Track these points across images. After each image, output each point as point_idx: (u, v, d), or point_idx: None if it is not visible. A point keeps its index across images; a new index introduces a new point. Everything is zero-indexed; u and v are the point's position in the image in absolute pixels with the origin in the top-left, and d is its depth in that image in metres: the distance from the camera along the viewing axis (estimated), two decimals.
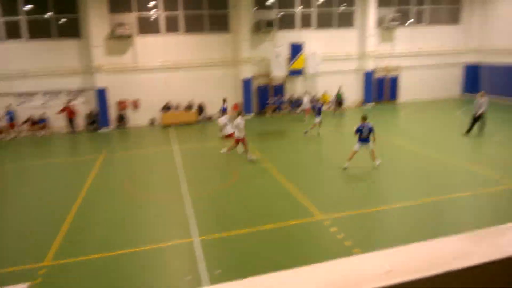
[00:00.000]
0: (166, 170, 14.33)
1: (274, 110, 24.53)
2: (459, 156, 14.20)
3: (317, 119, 18.01)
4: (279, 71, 23.78)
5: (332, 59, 25.15)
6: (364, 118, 12.77)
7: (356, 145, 12.89)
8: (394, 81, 26.96)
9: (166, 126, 22.20)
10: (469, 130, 16.78)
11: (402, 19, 25.94)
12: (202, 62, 23.25)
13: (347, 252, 7.90)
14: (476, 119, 16.68)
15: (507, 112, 21.77)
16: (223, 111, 19.47)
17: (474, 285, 0.75)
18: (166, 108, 22.82)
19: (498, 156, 14.27)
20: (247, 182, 12.86)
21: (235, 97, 24.21)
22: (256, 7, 23.67)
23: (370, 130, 12.63)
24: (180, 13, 22.75)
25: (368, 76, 25.95)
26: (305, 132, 18.46)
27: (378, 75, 26.46)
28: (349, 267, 0.85)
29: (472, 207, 10.28)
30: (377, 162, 13.03)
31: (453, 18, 27.55)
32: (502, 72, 25.66)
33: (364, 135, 12.67)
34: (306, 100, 22.38)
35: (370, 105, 26.07)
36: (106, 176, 13.98)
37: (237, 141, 14.65)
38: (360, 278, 0.77)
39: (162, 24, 22.66)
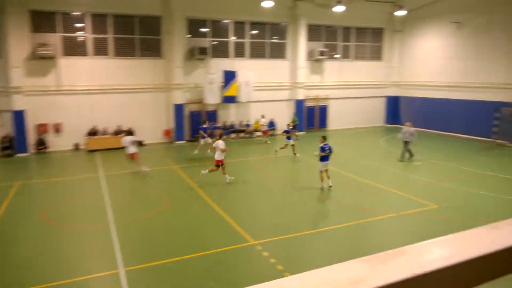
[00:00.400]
0: (90, 198, 13.40)
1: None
2: (386, 180, 14.94)
3: (290, 142, 18.88)
4: (212, 98, 23.79)
5: (265, 88, 25.78)
6: (324, 138, 13.59)
7: (321, 164, 13.42)
8: (323, 110, 28.18)
9: (92, 152, 20.98)
10: (411, 155, 18.11)
11: (330, 53, 27.50)
12: (133, 87, 22.60)
13: (279, 276, 7.78)
14: (407, 145, 18.06)
15: (424, 140, 23.55)
16: (203, 131, 19.65)
17: None
18: (92, 132, 21.65)
19: (419, 180, 15.24)
20: (178, 208, 12.43)
21: (166, 122, 23.73)
22: (190, 35, 23.71)
23: (330, 150, 13.34)
24: (109, 37, 22.07)
25: (299, 105, 26.88)
26: (276, 151, 19.40)
27: (308, 104, 27.52)
28: None
29: (396, 227, 10.77)
30: (330, 183, 13.70)
31: (376, 55, 29.76)
32: (417, 104, 27.95)
33: (326, 152, 13.29)
34: (264, 121, 23.84)
35: (302, 133, 26.86)
36: (21, 205, 12.68)
37: (218, 164, 14.43)
38: None
39: (90, 46, 21.77)
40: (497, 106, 22.17)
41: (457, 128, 24.96)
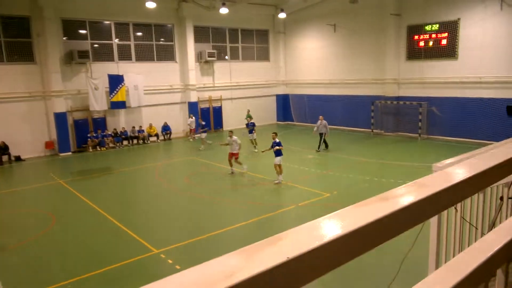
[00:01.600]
0: None
1: (96, 146, 22.64)
2: (284, 175, 15.49)
3: (253, 136, 20.52)
4: (98, 104, 22.22)
5: (156, 92, 24.96)
6: (276, 134, 14.81)
7: (277, 159, 14.19)
8: (218, 111, 28.30)
9: None
10: (326, 146, 20.17)
11: (219, 55, 27.71)
12: (1, 96, 19.97)
13: None
14: (322, 137, 20.01)
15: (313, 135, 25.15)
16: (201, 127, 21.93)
17: None
18: None
19: (312, 172, 16.13)
20: (68, 225, 11.29)
21: (48, 133, 21.53)
22: (66, 37, 21.78)
23: (280, 144, 14.26)
24: None
25: (193, 107, 26.58)
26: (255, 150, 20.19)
27: (202, 106, 27.39)
28: None
29: (296, 218, 11.23)
30: (280, 178, 14.35)
31: (264, 55, 30.85)
32: (304, 101, 29.73)
33: (280, 147, 14.18)
34: (190, 121, 24.69)
35: (198, 135, 26.60)
36: None
37: (234, 156, 15.89)
38: None
39: None
40: (371, 99, 24.62)
41: (341, 121, 27.09)
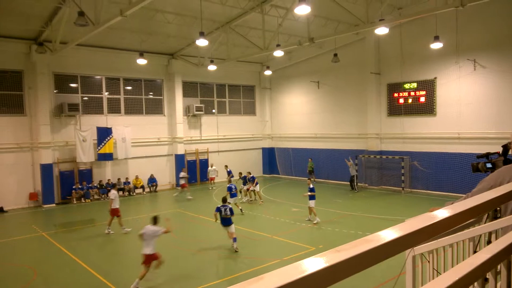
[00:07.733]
0: None
1: (81, 197, 22.38)
2: (268, 228, 15.49)
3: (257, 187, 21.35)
4: (85, 156, 22.29)
5: (143, 144, 25.22)
6: (310, 180, 17.22)
7: (310, 202, 16.17)
8: (204, 164, 28.48)
9: None
10: (353, 188, 23.87)
11: (207, 109, 28.44)
12: None
13: None
14: (352, 179, 23.87)
15: (299, 188, 25.37)
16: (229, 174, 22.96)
17: None
18: None
19: (297, 225, 16.18)
20: (50, 280, 10.98)
21: (33, 184, 21.31)
22: (57, 90, 22.26)
23: (313, 190, 16.23)
24: None
25: (180, 160, 26.78)
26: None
27: (189, 158, 27.61)
28: None
29: None
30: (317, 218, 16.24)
31: (250, 110, 31.76)
32: (289, 154, 30.28)
33: (313, 193, 16.14)
34: (183, 175, 23.70)
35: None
36: None
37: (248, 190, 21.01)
38: None
39: None
40: (355, 153, 25.22)
41: (326, 174, 27.53)
